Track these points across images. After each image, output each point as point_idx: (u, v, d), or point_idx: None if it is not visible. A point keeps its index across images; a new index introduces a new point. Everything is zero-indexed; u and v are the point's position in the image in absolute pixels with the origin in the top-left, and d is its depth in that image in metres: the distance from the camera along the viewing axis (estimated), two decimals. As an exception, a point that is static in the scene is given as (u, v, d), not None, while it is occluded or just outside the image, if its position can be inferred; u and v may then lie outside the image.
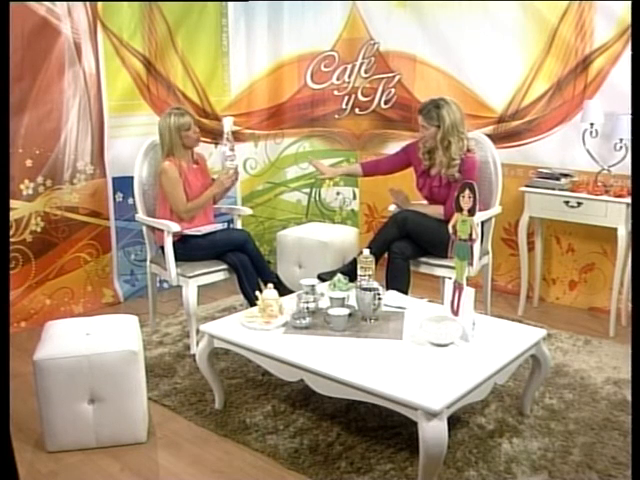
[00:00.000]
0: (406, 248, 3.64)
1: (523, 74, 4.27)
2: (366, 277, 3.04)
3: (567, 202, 3.89)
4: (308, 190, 5.40)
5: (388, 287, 3.46)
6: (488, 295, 3.95)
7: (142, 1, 4.30)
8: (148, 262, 3.88)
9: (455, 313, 2.76)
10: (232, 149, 3.82)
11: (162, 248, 3.68)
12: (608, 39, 3.90)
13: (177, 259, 3.61)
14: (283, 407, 3.05)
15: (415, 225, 3.66)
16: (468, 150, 3.64)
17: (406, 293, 3.48)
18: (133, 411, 2.75)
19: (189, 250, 3.65)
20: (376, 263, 3.28)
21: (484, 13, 4.34)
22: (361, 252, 3.15)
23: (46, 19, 3.88)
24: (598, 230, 3.93)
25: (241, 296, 3.83)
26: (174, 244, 3.58)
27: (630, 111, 2.73)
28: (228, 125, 3.81)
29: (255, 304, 3.01)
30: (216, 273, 3.71)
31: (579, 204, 3.85)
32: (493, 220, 3.87)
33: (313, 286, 3.05)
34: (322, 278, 3.43)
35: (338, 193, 5.44)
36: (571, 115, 4.12)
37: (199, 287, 3.63)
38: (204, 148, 4.31)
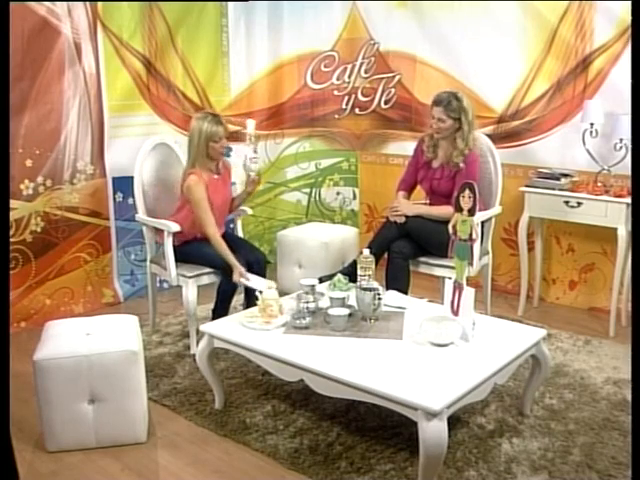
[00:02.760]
0: (406, 248, 3.64)
1: (523, 74, 4.27)
2: (366, 277, 3.04)
3: (567, 202, 3.89)
4: (308, 190, 5.40)
5: (388, 287, 3.46)
6: (488, 295, 3.95)
7: (142, 1, 4.30)
8: (148, 262, 3.88)
9: (455, 313, 2.76)
10: (255, 151, 3.81)
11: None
12: (608, 39, 3.90)
13: (177, 259, 3.60)
14: (283, 407, 3.05)
15: (415, 225, 3.66)
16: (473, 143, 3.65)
17: (406, 293, 3.48)
18: (133, 411, 2.75)
19: (186, 256, 3.63)
20: (376, 263, 3.28)
21: (484, 13, 4.34)
22: (361, 252, 3.15)
23: (46, 19, 3.88)
24: (598, 230, 3.93)
25: (241, 296, 3.83)
26: (174, 248, 3.58)
27: (630, 111, 2.73)
28: (251, 127, 3.79)
29: (255, 304, 3.01)
30: (216, 273, 3.70)
31: (579, 204, 3.85)
32: (493, 220, 3.87)
33: (313, 286, 3.06)
34: (323, 281, 3.43)
35: (338, 193, 5.44)
36: (571, 115, 4.12)
37: (199, 287, 3.63)
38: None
